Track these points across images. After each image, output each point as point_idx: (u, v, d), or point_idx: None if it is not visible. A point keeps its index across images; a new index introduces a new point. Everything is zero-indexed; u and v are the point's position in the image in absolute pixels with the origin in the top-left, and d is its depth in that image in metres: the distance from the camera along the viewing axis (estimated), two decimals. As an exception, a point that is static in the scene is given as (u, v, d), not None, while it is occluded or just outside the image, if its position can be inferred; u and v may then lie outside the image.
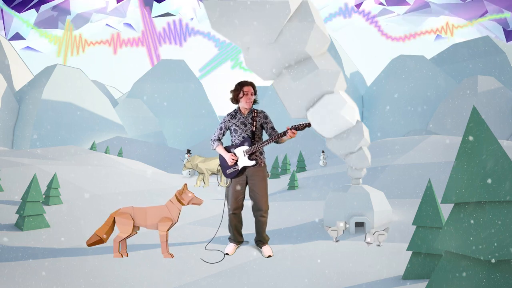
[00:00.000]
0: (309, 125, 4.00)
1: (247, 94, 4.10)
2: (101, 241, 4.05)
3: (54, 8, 27.41)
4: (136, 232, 4.11)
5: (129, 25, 32.10)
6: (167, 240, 3.98)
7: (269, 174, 13.00)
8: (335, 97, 5.41)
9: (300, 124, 3.97)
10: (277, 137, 3.98)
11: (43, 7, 27.53)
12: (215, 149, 4.27)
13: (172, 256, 3.98)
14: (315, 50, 5.26)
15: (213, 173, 10.50)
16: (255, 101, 4.21)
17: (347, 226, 4.75)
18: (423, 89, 23.90)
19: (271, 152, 17.41)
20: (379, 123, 23.82)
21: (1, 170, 7.39)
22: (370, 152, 5.90)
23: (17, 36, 27.93)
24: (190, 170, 11.27)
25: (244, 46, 5.31)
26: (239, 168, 4.10)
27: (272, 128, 4.21)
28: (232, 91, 4.19)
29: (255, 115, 4.16)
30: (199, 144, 23.37)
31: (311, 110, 5.51)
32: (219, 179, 10.56)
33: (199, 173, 10.45)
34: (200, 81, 28.35)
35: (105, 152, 16.13)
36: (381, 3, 29.42)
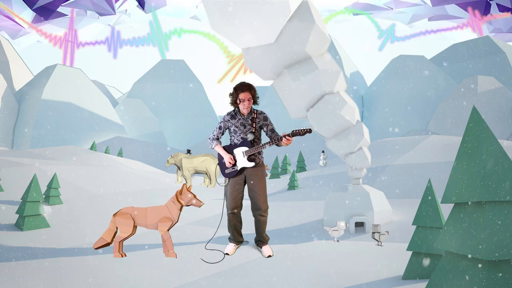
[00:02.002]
0: (309, 131, 3.95)
1: (243, 101, 4.08)
2: (108, 244, 4.08)
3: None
4: (135, 232, 4.12)
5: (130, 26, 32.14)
6: (169, 238, 3.97)
7: (268, 168, 12.94)
8: (335, 97, 5.42)
9: (301, 130, 3.93)
10: (276, 141, 3.97)
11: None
12: (213, 148, 4.26)
13: (175, 255, 3.96)
14: (315, 50, 5.26)
15: (197, 172, 10.43)
16: (255, 102, 4.20)
17: (348, 225, 4.76)
18: (423, 89, 23.89)
19: (271, 152, 17.40)
20: (379, 123, 23.82)
21: (1, 170, 7.39)
22: (370, 152, 5.90)
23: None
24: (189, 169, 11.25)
25: (244, 46, 5.31)
26: (238, 169, 4.11)
27: (272, 130, 4.18)
28: (230, 95, 4.18)
29: (255, 116, 4.15)
30: (199, 144, 23.37)
31: (311, 110, 5.51)
32: (208, 181, 10.54)
33: (179, 169, 10.40)
34: (200, 81, 28.35)
35: (105, 152, 16.13)
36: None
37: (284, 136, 3.91)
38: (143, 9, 29.96)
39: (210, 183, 10.41)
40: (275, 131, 4.16)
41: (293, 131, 3.92)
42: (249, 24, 4.89)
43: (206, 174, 10.46)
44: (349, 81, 24.56)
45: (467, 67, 24.24)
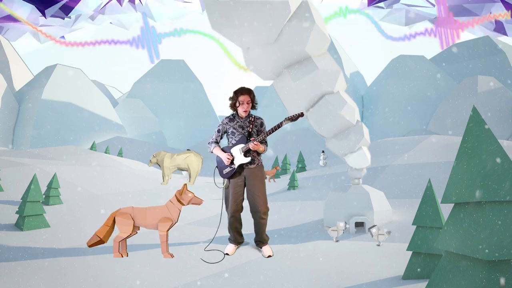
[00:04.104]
0: (301, 114, 4.03)
1: (243, 104, 4.15)
2: (101, 241, 4.06)
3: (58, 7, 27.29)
4: (136, 232, 4.12)
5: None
6: (167, 240, 3.99)
7: (279, 168, 12.84)
8: (335, 97, 5.41)
9: (293, 115, 4.00)
10: (269, 133, 4.00)
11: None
12: (212, 152, 4.28)
13: (172, 256, 3.99)
14: (315, 50, 5.26)
15: (180, 169, 10.29)
16: (253, 107, 4.24)
17: (347, 226, 4.75)
18: (423, 89, 23.89)
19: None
20: (379, 123, 23.82)
21: (1, 170, 7.39)
22: (370, 152, 5.89)
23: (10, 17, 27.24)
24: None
25: (244, 46, 5.31)
26: (235, 167, 4.12)
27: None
28: (229, 99, 4.23)
29: (252, 119, 4.20)
30: (199, 144, 23.36)
31: (311, 110, 5.51)
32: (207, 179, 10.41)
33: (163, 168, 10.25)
34: (200, 81, 28.34)
35: (105, 152, 16.13)
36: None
37: (279, 125, 3.97)
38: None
39: (189, 181, 10.21)
40: (265, 139, 4.17)
41: (286, 118, 3.99)
42: (249, 24, 4.89)
43: (188, 171, 10.29)
44: (349, 81, 24.56)
45: (467, 67, 24.23)
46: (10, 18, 26.98)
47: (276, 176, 12.86)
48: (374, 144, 10.45)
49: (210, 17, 4.93)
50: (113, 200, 6.97)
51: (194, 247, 4.44)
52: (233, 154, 4.14)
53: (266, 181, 11.26)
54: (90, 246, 4.07)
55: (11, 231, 5.11)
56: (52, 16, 27.30)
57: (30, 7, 26.58)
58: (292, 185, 9.51)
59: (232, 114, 4.29)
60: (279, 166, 14.08)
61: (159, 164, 10.20)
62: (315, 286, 3.44)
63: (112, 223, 4.06)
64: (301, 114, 4.02)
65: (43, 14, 26.64)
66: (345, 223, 4.77)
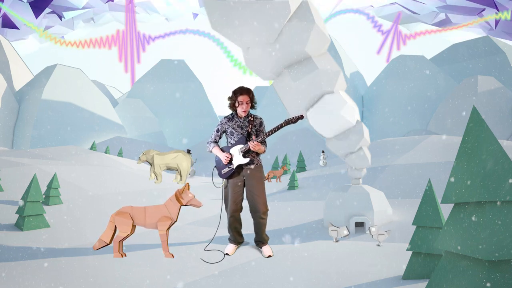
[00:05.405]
0: (301, 117, 4.04)
1: (242, 104, 4.14)
2: (107, 244, 4.09)
3: (56, 5, 27.26)
4: (133, 232, 4.12)
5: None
6: (167, 240, 3.98)
7: (287, 168, 12.79)
8: (335, 97, 5.41)
9: (293, 118, 4.00)
10: (269, 134, 3.99)
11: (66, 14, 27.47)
12: (211, 151, 4.27)
13: (172, 256, 3.98)
14: (315, 50, 5.26)
15: (169, 168, 10.31)
16: (253, 107, 4.23)
17: (348, 234, 4.77)
18: (423, 89, 23.89)
19: (271, 152, 17.41)
20: (379, 123, 23.81)
21: (1, 170, 7.39)
22: (370, 152, 5.89)
23: (10, 24, 27.11)
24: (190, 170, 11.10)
25: (244, 46, 5.31)
26: (234, 167, 4.12)
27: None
28: (228, 98, 4.23)
29: (251, 119, 4.19)
30: (199, 144, 23.35)
31: (311, 110, 5.51)
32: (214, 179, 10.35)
33: (151, 165, 10.16)
34: (200, 81, 28.34)
35: (105, 152, 16.12)
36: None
37: (278, 126, 3.96)
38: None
39: (181, 180, 10.22)
40: (264, 140, 4.17)
41: (285, 120, 3.99)
42: (249, 24, 4.88)
43: (177, 170, 10.29)
44: (349, 81, 24.54)
45: (467, 67, 24.23)
46: (9, 23, 26.95)
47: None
48: (374, 144, 10.44)
49: (210, 17, 4.93)
50: (113, 200, 6.97)
51: (194, 247, 4.44)
52: (232, 154, 4.14)
53: (274, 181, 11.30)
54: (96, 249, 4.10)
55: (11, 231, 5.10)
56: (52, 13, 27.26)
57: (28, 6, 26.57)
58: (292, 185, 9.51)
59: (231, 114, 4.28)
60: (280, 166, 14.07)
61: (149, 162, 10.22)
62: (315, 286, 3.44)
63: (114, 226, 4.06)
64: (301, 117, 4.02)
65: (35, 13, 26.59)
66: (348, 230, 4.77)
